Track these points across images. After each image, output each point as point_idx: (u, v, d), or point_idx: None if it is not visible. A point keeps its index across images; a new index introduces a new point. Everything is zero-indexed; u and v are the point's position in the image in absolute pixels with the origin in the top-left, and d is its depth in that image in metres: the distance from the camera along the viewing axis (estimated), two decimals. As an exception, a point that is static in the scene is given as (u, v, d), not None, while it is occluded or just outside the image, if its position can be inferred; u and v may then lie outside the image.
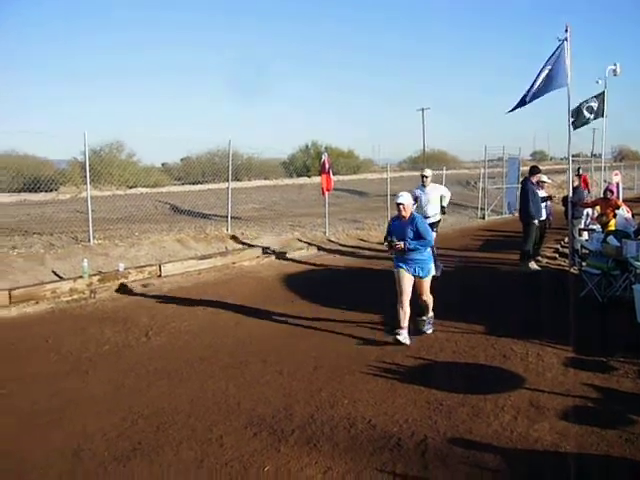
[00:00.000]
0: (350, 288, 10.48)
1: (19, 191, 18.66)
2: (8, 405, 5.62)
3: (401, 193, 7.36)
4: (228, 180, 15.52)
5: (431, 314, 7.65)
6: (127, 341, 7.60)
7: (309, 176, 34.06)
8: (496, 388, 5.71)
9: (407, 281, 7.21)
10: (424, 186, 11.57)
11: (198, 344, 7.42)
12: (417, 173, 36.19)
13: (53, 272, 10.67)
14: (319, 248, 14.89)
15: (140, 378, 6.27)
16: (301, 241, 15.48)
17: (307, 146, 42.98)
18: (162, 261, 11.95)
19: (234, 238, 14.74)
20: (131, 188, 22.59)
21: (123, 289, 10.47)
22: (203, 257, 12.62)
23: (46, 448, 4.75)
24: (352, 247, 15.25)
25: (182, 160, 35.24)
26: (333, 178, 16.78)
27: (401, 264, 7.26)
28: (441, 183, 22.46)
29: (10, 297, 9.11)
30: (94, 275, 10.51)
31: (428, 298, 7.48)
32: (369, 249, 15.13)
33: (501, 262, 12.72)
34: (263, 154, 30.12)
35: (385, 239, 7.43)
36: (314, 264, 13.06)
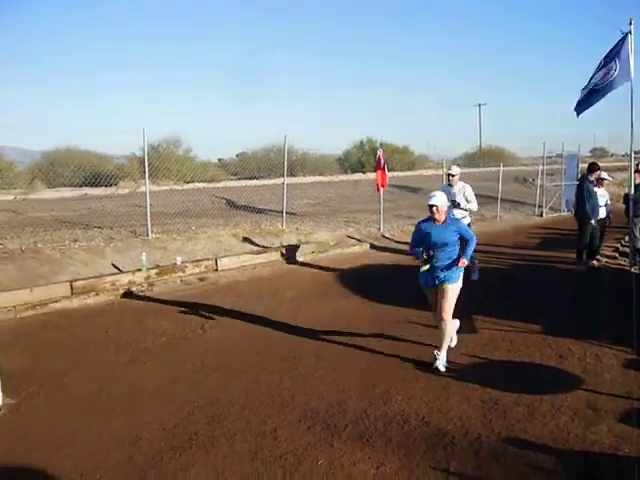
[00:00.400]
0: (404, 285, 10.38)
1: (80, 185, 19.16)
2: (70, 393, 5.80)
3: (434, 193, 6.45)
4: (284, 176, 15.59)
5: (444, 353, 6.34)
6: (184, 333, 7.72)
7: (364, 172, 34.02)
8: (552, 388, 5.60)
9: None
10: (451, 185, 10.31)
11: (253, 337, 7.49)
12: (474, 170, 35.80)
13: (113, 265, 10.92)
14: (373, 244, 14.85)
15: (196, 370, 6.38)
16: (352, 238, 15.47)
17: (362, 142, 42.92)
18: (218, 255, 12.11)
19: (289, 233, 14.82)
20: (188, 183, 22.94)
21: (179, 282, 10.67)
22: (259, 252, 12.72)
23: (106, 436, 4.88)
24: (406, 244, 15.08)
25: (238, 156, 35.68)
26: (388, 174, 16.70)
27: (427, 278, 6.40)
28: (497, 180, 22.26)
29: (72, 288, 9.36)
30: (152, 268, 10.72)
31: (448, 317, 6.27)
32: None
33: (558, 261, 12.43)
34: (318, 150, 30.24)
35: (417, 252, 6.38)
36: (368, 260, 13.03)
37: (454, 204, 9.82)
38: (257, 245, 13.56)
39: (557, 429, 4.77)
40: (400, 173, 33.31)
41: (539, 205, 23.12)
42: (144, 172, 13.02)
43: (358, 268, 12.16)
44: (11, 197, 17.68)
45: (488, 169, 33.04)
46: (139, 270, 10.46)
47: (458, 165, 11.35)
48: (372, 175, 22.34)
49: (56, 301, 9.03)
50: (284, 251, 13.04)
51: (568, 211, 22.75)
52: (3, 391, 5.57)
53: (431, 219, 6.43)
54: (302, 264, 12.57)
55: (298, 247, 13.42)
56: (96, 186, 17.92)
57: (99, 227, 13.30)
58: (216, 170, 30.65)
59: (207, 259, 11.76)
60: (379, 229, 16.42)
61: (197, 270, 11.23)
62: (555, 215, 22.79)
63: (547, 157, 24.37)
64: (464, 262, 6.25)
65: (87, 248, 11.35)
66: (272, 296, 9.66)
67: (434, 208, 6.31)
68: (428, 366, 6.23)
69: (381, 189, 16.25)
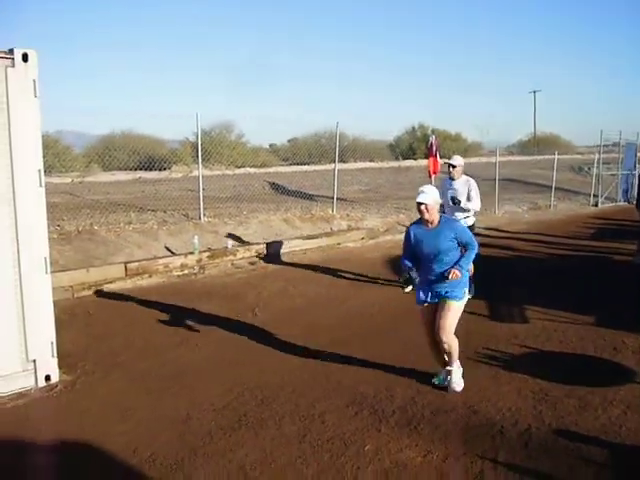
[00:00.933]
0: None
1: (135, 169, 19.48)
2: (124, 372, 5.94)
3: (423, 188, 5.24)
4: (335, 162, 15.57)
5: (457, 363, 5.44)
6: (234, 316, 7.80)
7: (415, 159, 33.68)
8: (605, 381, 5.49)
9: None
10: (452, 179, 8.64)
11: (301, 322, 7.54)
12: (527, 158, 35.03)
13: (165, 247, 11.11)
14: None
15: (246, 352, 6.46)
16: (403, 225, 15.34)
17: (414, 128, 42.39)
18: (269, 240, 12.19)
19: (339, 219, 14.82)
20: (239, 168, 23.12)
21: (230, 266, 10.79)
22: (309, 237, 12.76)
23: (157, 414, 5.00)
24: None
25: (289, 141, 35.76)
26: (440, 161, 16.46)
27: (425, 293, 5.35)
28: (552, 169, 21.75)
29: (126, 270, 9.55)
30: (204, 251, 10.86)
31: (449, 338, 5.26)
32: (475, 234, 14.83)
33: (614, 252, 12.15)
34: (369, 136, 30.06)
35: (403, 276, 5.37)
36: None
37: (454, 201, 8.39)
38: (307, 230, 13.61)
39: (609, 422, 4.69)
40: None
41: (594, 195, 22.56)
42: (197, 156, 13.17)
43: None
44: (69, 180, 18.07)
45: (542, 157, 32.38)
46: (191, 253, 10.61)
47: (460, 155, 9.44)
48: (423, 162, 22.09)
49: (111, 282, 9.23)
50: (334, 237, 13.06)
51: (625, 201, 22.23)
52: (60, 368, 5.74)
53: (423, 222, 5.31)
54: (352, 250, 12.57)
55: (349, 233, 13.42)
56: (150, 170, 18.20)
57: (153, 210, 13.52)
58: (267, 155, 30.81)
59: (258, 243, 11.85)
60: (430, 216, 16.25)
61: (248, 254, 11.33)
62: (611, 205, 22.25)
63: (604, 146, 23.77)
64: (456, 274, 5.06)
65: (141, 230, 11.57)
66: (321, 281, 9.69)
67: (422, 207, 5.15)
68: (478, 355, 6.19)
69: (432, 176, 16.04)
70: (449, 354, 5.36)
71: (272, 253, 11.61)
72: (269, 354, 6.40)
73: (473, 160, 34.62)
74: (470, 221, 8.32)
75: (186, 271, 10.23)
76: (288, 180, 19.89)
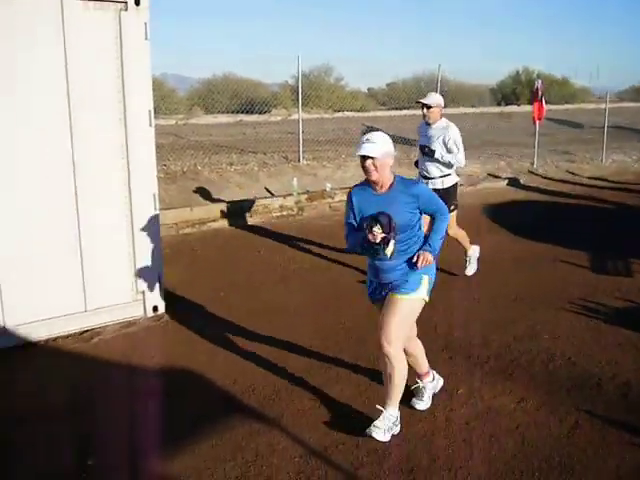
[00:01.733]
0: (556, 223, 10.06)
1: (236, 112, 19.75)
2: (225, 307, 6.20)
3: (369, 136, 3.67)
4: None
5: (392, 411, 3.82)
6: (332, 257, 7.95)
7: (518, 105, 32.52)
8: None
9: None
10: (428, 124, 6.65)
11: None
12: (637, 105, 33.07)
13: (265, 188, 11.32)
14: (523, 180, 14.31)
15: (342, 293, 6.58)
16: (498, 175, 14.98)
17: (518, 72, 40.71)
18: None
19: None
20: (337, 112, 23.02)
21: (328, 209, 10.93)
22: (406, 182, 12.65)
23: (255, 348, 5.22)
24: (559, 181, 14.49)
25: (388, 85, 35.18)
26: (545, 107, 15.87)
27: (372, 287, 4.13)
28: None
29: (228, 209, 9.83)
30: (302, 193, 11.00)
31: (393, 349, 3.78)
32: (580, 184, 14.32)
33: None
34: (470, 80, 29.23)
35: (353, 245, 4.14)
36: (519, 195, 12.65)
37: (424, 151, 6.62)
38: (405, 175, 13.49)
39: None
40: (558, 106, 31.44)
41: None
42: (296, 100, 13.22)
43: (507, 203, 11.83)
44: (173, 122, 18.53)
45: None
46: (290, 195, 10.78)
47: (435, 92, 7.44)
48: (527, 108, 21.31)
49: (213, 220, 9.54)
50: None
51: None
52: (166, 299, 6.05)
53: (369, 184, 3.85)
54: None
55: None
56: (250, 113, 18.40)
57: (253, 152, 13.73)
58: (365, 99, 30.51)
59: (355, 187, 11.86)
60: (532, 164, 15.77)
61: (345, 197, 11.38)
62: None
63: None
64: (426, 259, 3.73)
65: (242, 172, 11.82)
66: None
67: (368, 162, 3.62)
68: (578, 307, 6.07)
69: (537, 122, 15.52)
70: (389, 379, 3.82)
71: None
72: (364, 297, 6.49)
73: (582, 106, 33.28)
74: (450, 181, 6.67)
75: (285, 212, 10.43)
76: (386, 124, 19.61)
